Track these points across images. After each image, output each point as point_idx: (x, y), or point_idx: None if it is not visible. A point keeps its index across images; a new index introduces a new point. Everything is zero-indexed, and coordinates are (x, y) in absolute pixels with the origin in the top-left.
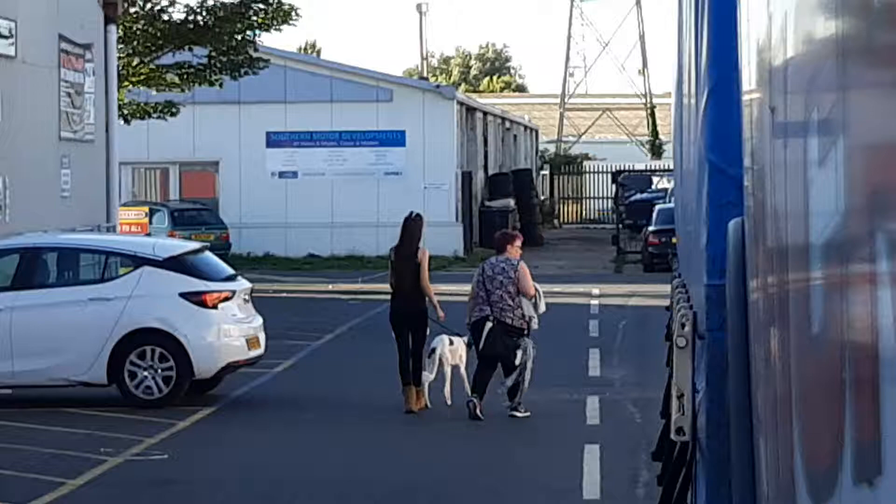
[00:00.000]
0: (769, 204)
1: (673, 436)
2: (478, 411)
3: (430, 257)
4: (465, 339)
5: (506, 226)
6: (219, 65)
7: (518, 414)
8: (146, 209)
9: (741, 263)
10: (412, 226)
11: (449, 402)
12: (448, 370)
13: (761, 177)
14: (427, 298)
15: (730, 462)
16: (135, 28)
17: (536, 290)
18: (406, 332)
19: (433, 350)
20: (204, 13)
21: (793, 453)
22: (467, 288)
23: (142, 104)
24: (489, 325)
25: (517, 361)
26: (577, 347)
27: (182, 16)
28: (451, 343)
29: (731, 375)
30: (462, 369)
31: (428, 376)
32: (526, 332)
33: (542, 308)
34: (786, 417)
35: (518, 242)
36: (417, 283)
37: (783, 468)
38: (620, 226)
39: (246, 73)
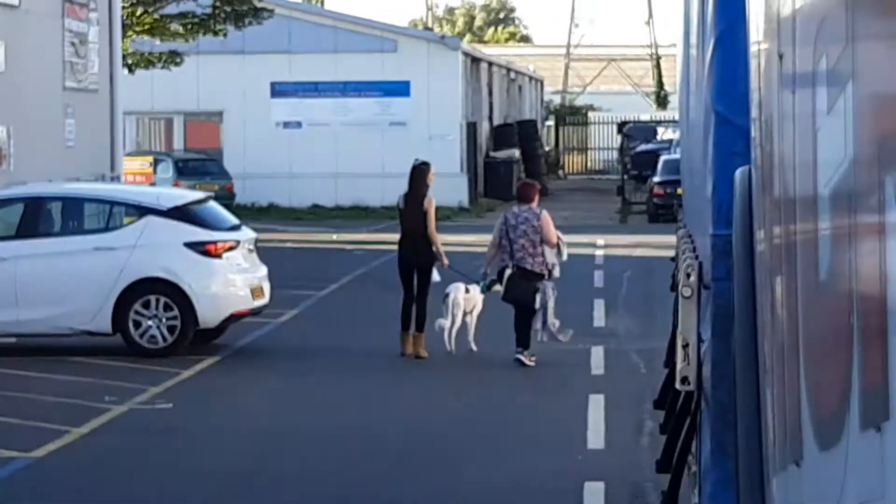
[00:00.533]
0: (776, 153)
1: (678, 385)
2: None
3: (436, 207)
4: (481, 285)
5: (511, 177)
6: (223, 14)
7: (524, 359)
8: (150, 159)
9: (748, 212)
10: (417, 173)
11: (451, 349)
12: (459, 317)
13: (769, 126)
14: (433, 247)
15: (735, 410)
16: None
17: (559, 238)
18: (412, 279)
19: (447, 296)
20: None
21: (800, 401)
22: (471, 238)
23: (146, 54)
24: (509, 271)
25: (536, 305)
26: (581, 298)
27: None
28: (467, 291)
29: (736, 324)
30: (474, 317)
31: (444, 322)
32: (547, 277)
33: (565, 256)
34: (793, 365)
35: (537, 192)
36: (424, 231)
37: (790, 416)
38: (625, 176)
39: (250, 24)
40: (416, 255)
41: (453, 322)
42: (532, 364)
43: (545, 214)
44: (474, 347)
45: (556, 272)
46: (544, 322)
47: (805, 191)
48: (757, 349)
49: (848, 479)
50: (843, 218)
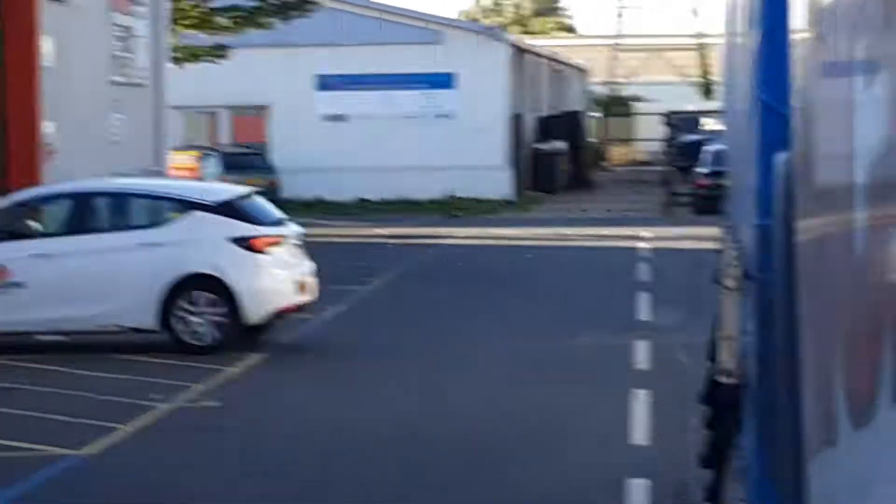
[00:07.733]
0: (816, 142)
1: (721, 378)
2: None
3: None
4: None
5: (556, 169)
6: (270, 8)
7: None
8: (197, 154)
9: (788, 199)
10: None
11: None
12: None
13: (808, 114)
14: None
15: (777, 402)
16: None
17: None
18: None
19: None
20: None
21: (833, 384)
22: (513, 232)
23: (192, 47)
24: None
25: None
26: (626, 291)
27: None
28: None
29: (777, 315)
30: None
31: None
32: None
33: None
34: (828, 352)
35: None
36: None
37: (825, 399)
38: (671, 167)
39: (296, 16)
40: None
41: None
42: None
43: None
44: None
45: None
46: None
47: (842, 179)
48: (797, 340)
49: (882, 455)
50: (878, 207)
